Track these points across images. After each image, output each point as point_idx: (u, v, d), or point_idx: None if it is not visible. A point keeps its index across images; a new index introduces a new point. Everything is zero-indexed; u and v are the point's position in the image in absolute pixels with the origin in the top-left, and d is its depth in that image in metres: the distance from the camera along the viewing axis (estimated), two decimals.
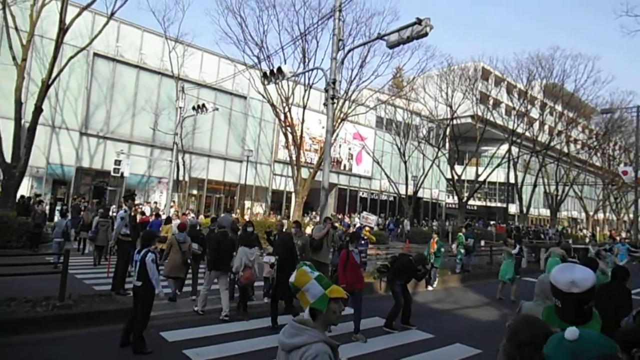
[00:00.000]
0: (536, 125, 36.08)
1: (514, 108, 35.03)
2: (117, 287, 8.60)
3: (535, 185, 36.76)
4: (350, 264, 6.90)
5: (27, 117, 17.09)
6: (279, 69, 11.91)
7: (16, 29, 16.34)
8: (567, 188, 38.90)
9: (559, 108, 37.24)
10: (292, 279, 2.30)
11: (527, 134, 34.53)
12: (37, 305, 6.43)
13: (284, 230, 9.00)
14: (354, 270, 6.96)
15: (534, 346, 1.76)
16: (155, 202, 22.83)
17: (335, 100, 11.47)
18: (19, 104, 16.29)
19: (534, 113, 36.92)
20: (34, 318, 6.07)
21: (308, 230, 13.11)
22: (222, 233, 8.28)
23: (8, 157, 15.99)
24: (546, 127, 39.01)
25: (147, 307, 5.74)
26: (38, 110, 16.45)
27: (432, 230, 31.21)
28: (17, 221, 14.21)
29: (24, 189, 18.79)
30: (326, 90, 11.12)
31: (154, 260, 5.71)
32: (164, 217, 14.84)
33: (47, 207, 15.48)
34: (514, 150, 34.43)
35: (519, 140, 34.21)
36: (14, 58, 16.21)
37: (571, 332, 1.58)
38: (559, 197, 38.96)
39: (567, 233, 36.12)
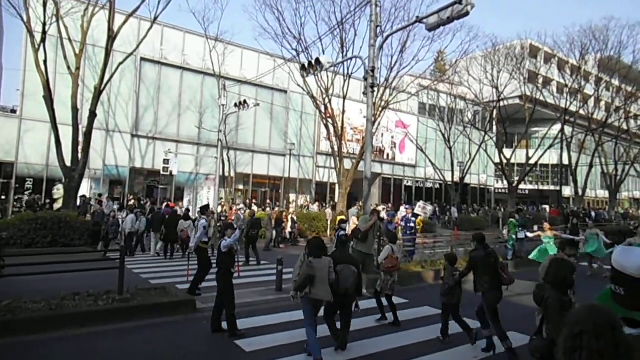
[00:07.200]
0: (591, 102, 33.98)
1: (566, 85, 33.12)
2: (192, 290, 8.37)
3: (591, 166, 34.62)
4: None
5: (83, 122, 18.08)
6: (317, 60, 11.87)
7: (69, 39, 17.31)
8: (627, 167, 36.52)
9: (616, 82, 34.87)
10: None
11: (581, 112, 32.59)
12: (98, 299, 6.84)
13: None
14: None
15: (595, 335, 1.66)
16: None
17: (375, 89, 11.32)
18: (75, 111, 17.26)
19: (589, 89, 34.77)
20: (97, 311, 6.46)
21: (355, 220, 13.15)
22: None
23: (68, 161, 17.05)
24: (602, 103, 36.65)
25: None
26: (92, 115, 17.39)
27: (484, 218, 30.38)
28: (79, 220, 15.16)
29: (84, 190, 19.95)
30: (365, 79, 11.00)
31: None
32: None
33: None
34: (568, 129, 32.64)
35: (572, 119, 32.37)
36: (68, 67, 17.17)
37: None
38: (618, 177, 36.64)
39: (630, 215, 33.97)
